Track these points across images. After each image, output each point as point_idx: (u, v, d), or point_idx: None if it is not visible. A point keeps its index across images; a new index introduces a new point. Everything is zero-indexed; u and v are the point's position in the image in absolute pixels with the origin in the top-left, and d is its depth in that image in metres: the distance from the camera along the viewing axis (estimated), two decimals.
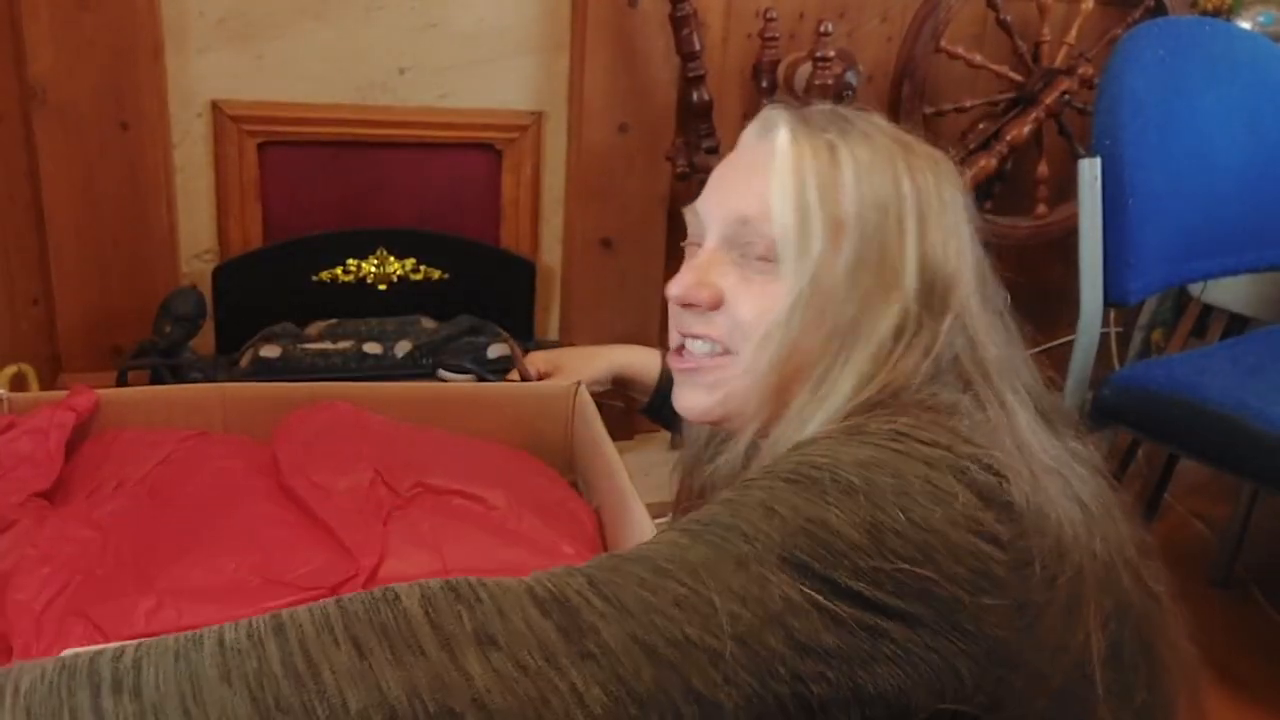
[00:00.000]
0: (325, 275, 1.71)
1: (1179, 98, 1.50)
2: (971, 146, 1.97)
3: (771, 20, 1.78)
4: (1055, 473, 0.71)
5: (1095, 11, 1.97)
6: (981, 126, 2.00)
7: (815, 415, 0.74)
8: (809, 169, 0.77)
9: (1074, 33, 1.95)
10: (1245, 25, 2.04)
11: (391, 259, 1.74)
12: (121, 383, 1.42)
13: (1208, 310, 2.20)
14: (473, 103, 1.77)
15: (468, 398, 1.03)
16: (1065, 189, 1.94)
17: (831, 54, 1.65)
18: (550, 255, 1.93)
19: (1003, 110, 2.01)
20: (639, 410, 1.22)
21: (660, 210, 1.91)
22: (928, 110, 1.97)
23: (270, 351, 1.56)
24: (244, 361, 1.55)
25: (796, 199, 0.76)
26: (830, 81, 1.66)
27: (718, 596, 0.57)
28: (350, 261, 1.72)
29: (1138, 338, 2.31)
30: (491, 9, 1.73)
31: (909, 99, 1.94)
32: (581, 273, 1.90)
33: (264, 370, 1.53)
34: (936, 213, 0.78)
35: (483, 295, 1.77)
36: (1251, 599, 1.84)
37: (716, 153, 1.76)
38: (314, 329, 1.65)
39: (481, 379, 1.33)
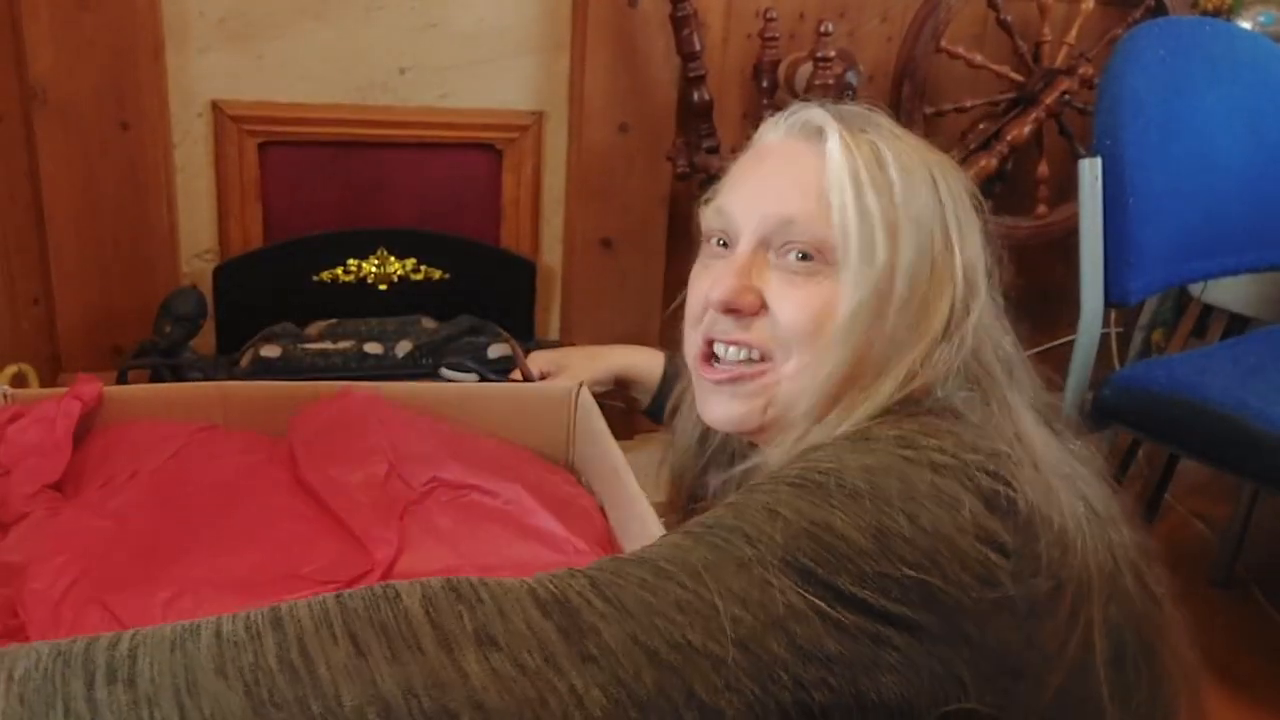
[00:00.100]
0: (326, 275, 1.71)
1: (1179, 98, 1.51)
2: (972, 146, 1.97)
3: (772, 20, 1.78)
4: (1061, 475, 0.70)
5: (1096, 11, 1.97)
6: (982, 126, 2.00)
7: (852, 416, 0.73)
8: (864, 173, 0.76)
9: (1074, 33, 1.95)
10: (1246, 25, 2.04)
11: (392, 259, 1.74)
12: (122, 382, 1.42)
13: (1208, 310, 2.20)
14: (473, 103, 1.77)
15: (469, 397, 1.03)
16: (1066, 189, 1.94)
17: (832, 54, 1.65)
18: (551, 255, 1.92)
19: (1003, 110, 2.01)
20: (641, 411, 1.22)
21: (661, 210, 1.90)
22: (928, 110, 1.96)
23: (270, 351, 1.56)
24: (244, 361, 1.55)
25: (858, 204, 0.75)
26: (831, 81, 1.66)
27: (720, 599, 0.57)
28: (351, 261, 1.72)
29: (1138, 338, 2.31)
30: (492, 9, 1.73)
31: (909, 99, 1.94)
32: (582, 273, 1.90)
33: (264, 370, 1.53)
34: (967, 213, 0.79)
35: (483, 295, 1.77)
36: (1252, 599, 1.84)
37: (717, 152, 1.76)
38: (314, 329, 1.65)
39: (484, 379, 1.33)
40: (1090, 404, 1.48)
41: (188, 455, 0.89)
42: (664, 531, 0.78)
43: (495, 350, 1.62)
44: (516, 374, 1.25)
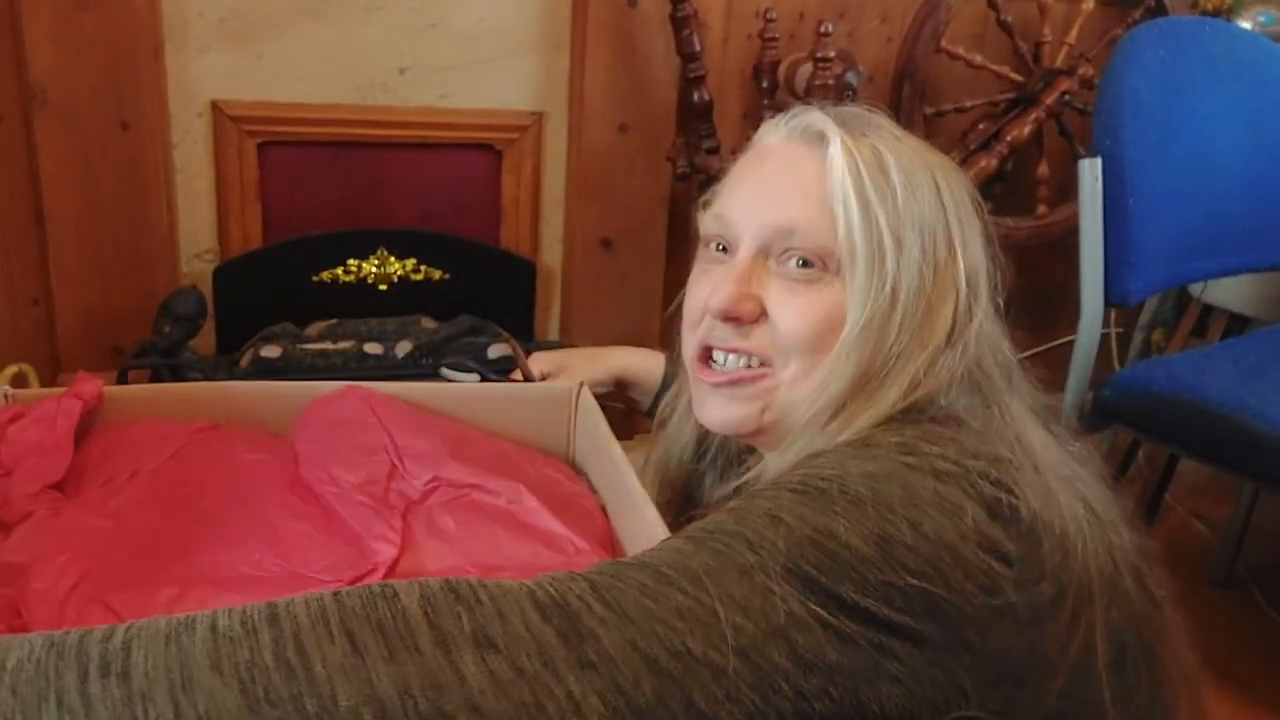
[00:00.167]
0: (325, 275, 1.71)
1: (1179, 98, 1.50)
2: (972, 147, 1.97)
3: (772, 21, 1.78)
4: (1062, 479, 0.70)
5: (1096, 12, 1.97)
6: (982, 127, 2.00)
7: (854, 424, 0.72)
8: (868, 180, 0.74)
9: (1074, 33, 1.95)
10: (1246, 25, 2.04)
11: (392, 259, 1.74)
12: (122, 382, 1.41)
13: (1208, 310, 2.20)
14: (473, 103, 1.77)
15: (470, 397, 1.03)
16: (1066, 189, 1.94)
17: (832, 54, 1.65)
18: (551, 255, 1.92)
19: (1003, 110, 2.01)
20: (642, 412, 1.22)
21: (661, 210, 1.91)
22: (928, 111, 1.96)
23: (270, 351, 1.56)
24: (244, 361, 1.55)
25: (863, 213, 0.74)
26: (831, 82, 1.66)
27: (721, 607, 0.56)
28: (351, 261, 1.72)
29: (1138, 338, 2.31)
30: (491, 9, 1.73)
31: (909, 99, 1.94)
32: (582, 273, 1.90)
33: (264, 370, 1.53)
34: (969, 216, 0.78)
35: (483, 295, 1.77)
36: (1252, 599, 1.84)
37: (717, 153, 1.76)
38: (314, 329, 1.65)
39: (485, 379, 1.33)
40: (1090, 404, 1.48)
41: (188, 455, 0.89)
42: (666, 531, 0.78)
43: (495, 350, 1.62)
44: (517, 374, 1.25)
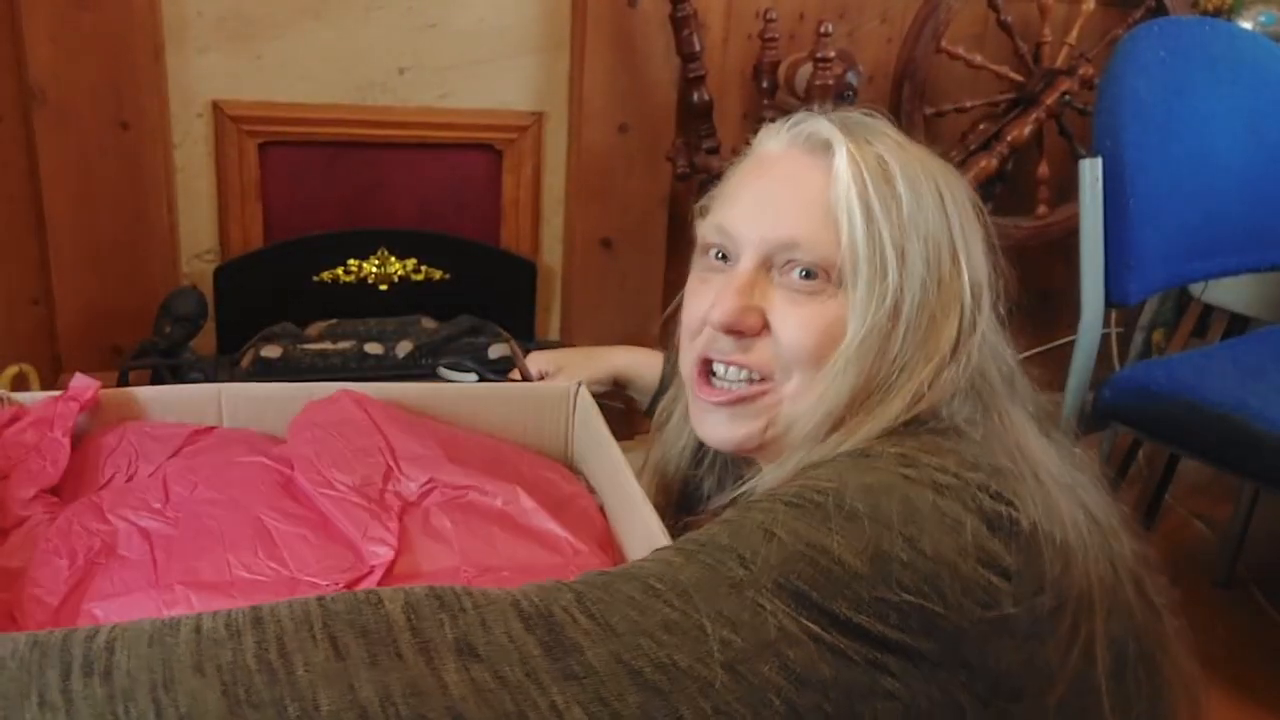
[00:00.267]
0: (326, 275, 1.71)
1: (1180, 98, 1.50)
2: (972, 147, 1.97)
3: (771, 21, 1.78)
4: (1063, 487, 0.69)
5: (1096, 12, 1.97)
6: (982, 127, 2.00)
7: (854, 437, 0.71)
8: (872, 192, 0.73)
9: (1075, 33, 1.95)
10: (1246, 25, 2.04)
11: (392, 259, 1.74)
12: (122, 383, 1.42)
13: (1209, 310, 2.20)
14: (473, 103, 1.77)
15: (468, 397, 1.03)
16: (1066, 189, 1.94)
17: (832, 54, 1.65)
18: (551, 255, 1.93)
19: (1003, 111, 2.00)
20: (641, 411, 1.22)
21: (661, 210, 1.91)
22: (928, 111, 1.96)
23: (271, 352, 1.56)
24: (245, 362, 1.55)
25: (867, 226, 0.72)
26: (831, 82, 1.66)
27: (709, 621, 0.55)
28: (351, 262, 1.72)
29: (1139, 338, 2.31)
30: (491, 9, 1.73)
31: (909, 100, 1.94)
32: (582, 273, 1.90)
33: (265, 370, 1.53)
34: (971, 224, 0.77)
35: (483, 295, 1.77)
36: (1252, 599, 1.84)
37: (717, 153, 1.76)
38: (315, 329, 1.65)
39: (483, 379, 1.33)
40: (1091, 404, 1.48)
41: (187, 456, 0.89)
42: (664, 532, 0.78)
43: (495, 350, 1.62)
44: (515, 374, 1.25)
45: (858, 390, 0.72)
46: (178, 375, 1.47)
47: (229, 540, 0.77)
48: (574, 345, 1.72)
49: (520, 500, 0.85)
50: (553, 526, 0.84)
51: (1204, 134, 1.53)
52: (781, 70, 1.83)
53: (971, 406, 0.73)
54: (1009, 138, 1.91)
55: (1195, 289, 2.15)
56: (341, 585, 0.74)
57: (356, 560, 0.77)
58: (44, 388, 1.17)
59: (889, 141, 0.77)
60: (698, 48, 1.72)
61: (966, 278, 0.75)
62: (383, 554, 0.77)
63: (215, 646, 0.51)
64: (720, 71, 1.86)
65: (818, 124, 0.77)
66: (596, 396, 1.05)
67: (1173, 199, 1.49)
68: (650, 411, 1.19)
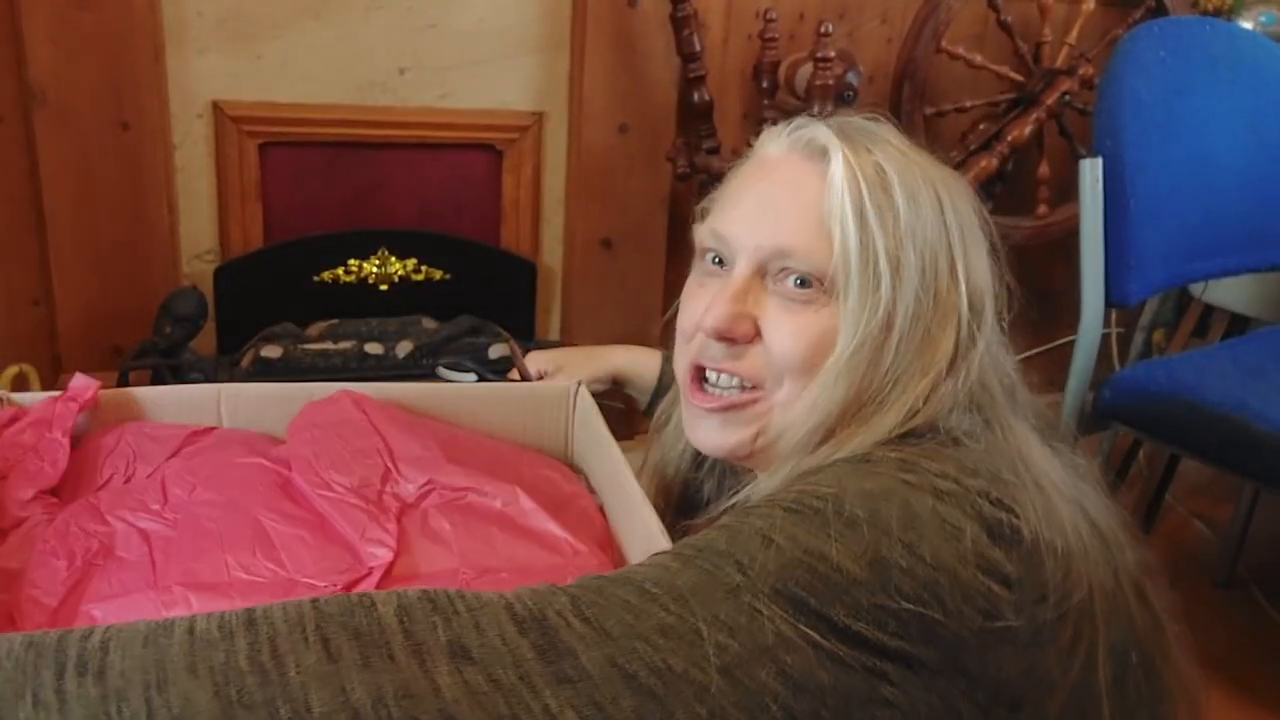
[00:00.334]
0: (326, 275, 1.71)
1: (1180, 98, 1.50)
2: (972, 147, 1.97)
3: (772, 21, 1.78)
4: (1065, 497, 0.69)
5: (1096, 12, 1.97)
6: (982, 127, 2.00)
7: (846, 448, 0.70)
8: (868, 201, 0.72)
9: (1075, 33, 1.95)
10: (1246, 25, 2.04)
11: (393, 259, 1.74)
12: (122, 383, 1.42)
13: (1209, 310, 2.20)
14: (473, 103, 1.77)
15: (468, 397, 1.03)
16: (1066, 189, 1.94)
17: (832, 55, 1.65)
18: (551, 256, 1.93)
19: (1003, 111, 2.01)
20: (641, 411, 1.22)
21: (661, 211, 1.91)
22: (928, 111, 1.96)
23: (271, 352, 1.56)
24: (245, 362, 1.55)
25: (860, 235, 0.71)
26: (831, 82, 1.65)
27: (705, 625, 0.55)
28: (351, 262, 1.72)
29: (1139, 338, 2.31)
30: (491, 9, 1.73)
31: (909, 100, 1.94)
32: (582, 273, 1.90)
33: (265, 371, 1.53)
34: (974, 234, 0.76)
35: (484, 296, 1.77)
36: (1253, 599, 1.84)
37: (717, 153, 1.76)
38: (315, 329, 1.65)
39: (482, 379, 1.33)
40: (1091, 404, 1.48)
41: (186, 457, 0.89)
42: (664, 532, 0.78)
43: (496, 350, 1.62)
44: (514, 374, 1.25)
45: (849, 402, 0.72)
46: (178, 375, 1.47)
47: (227, 541, 0.77)
48: (574, 345, 1.72)
49: (519, 501, 0.85)
50: (552, 527, 0.84)
51: (1204, 134, 1.53)
52: (782, 70, 1.83)
53: (971, 420, 0.72)
54: (1009, 138, 1.91)
55: (1195, 289, 2.15)
56: (340, 587, 0.74)
57: (355, 561, 0.77)
58: (44, 388, 1.18)
59: (890, 149, 0.75)
60: (698, 48, 1.72)
61: (965, 290, 0.74)
62: (381, 555, 0.77)
63: (208, 648, 0.51)
64: (720, 71, 1.86)
65: (817, 130, 0.76)
66: (596, 396, 1.05)
67: (1173, 199, 1.49)
68: (650, 411, 1.19)
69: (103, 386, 0.94)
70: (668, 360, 1.15)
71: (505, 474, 0.89)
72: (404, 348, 1.62)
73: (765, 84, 1.82)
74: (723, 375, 0.78)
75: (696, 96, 1.75)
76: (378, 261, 1.73)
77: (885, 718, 0.57)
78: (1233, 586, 1.88)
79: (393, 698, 0.50)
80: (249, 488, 0.84)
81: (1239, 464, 1.37)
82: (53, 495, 0.84)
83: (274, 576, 0.75)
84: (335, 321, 1.67)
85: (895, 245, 0.72)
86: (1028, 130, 1.92)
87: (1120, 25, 1.99)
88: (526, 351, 1.28)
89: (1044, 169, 2.01)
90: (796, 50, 1.86)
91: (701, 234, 0.81)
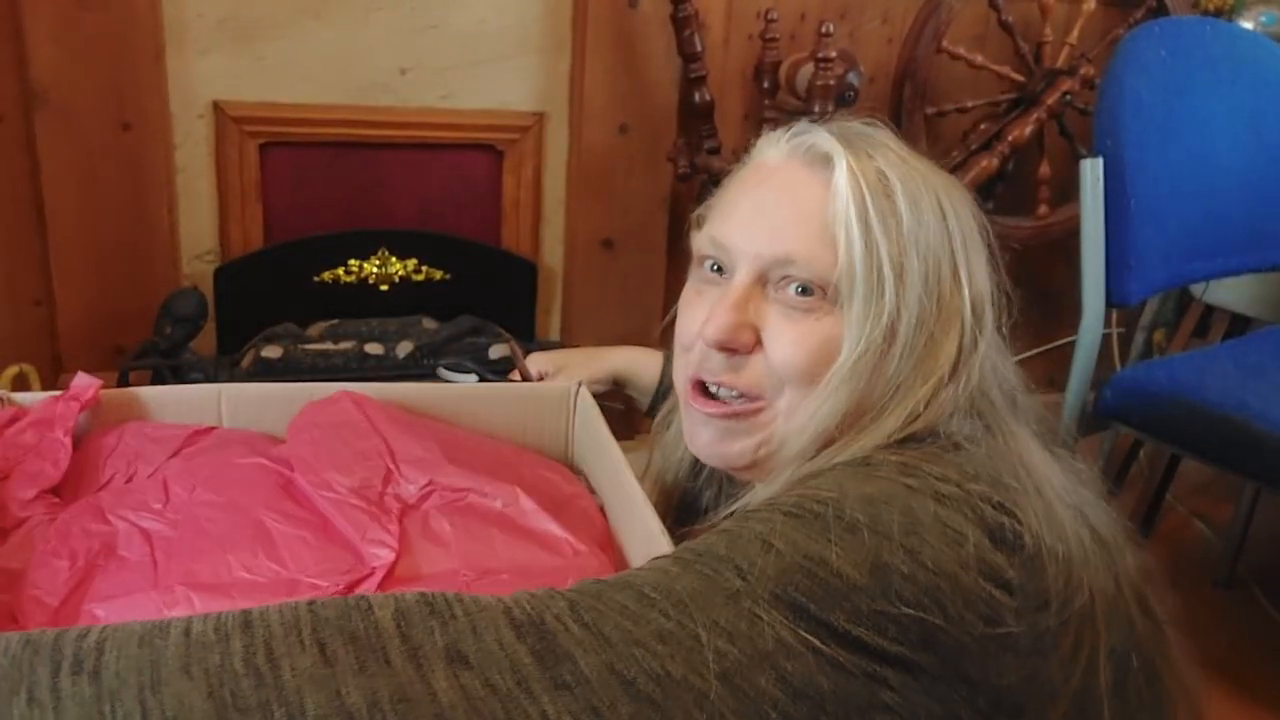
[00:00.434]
0: (327, 276, 1.71)
1: (1180, 98, 1.50)
2: (973, 147, 1.97)
3: (772, 21, 1.78)
4: (1068, 503, 0.69)
5: (1097, 12, 1.97)
6: (983, 127, 2.00)
7: (845, 454, 0.70)
8: (871, 209, 0.71)
9: (1076, 33, 1.95)
10: (1247, 25, 2.04)
11: (393, 259, 1.74)
12: (123, 383, 1.42)
13: (1210, 311, 2.20)
14: (474, 103, 1.77)
15: (468, 398, 1.03)
16: (1067, 189, 1.94)
17: (833, 55, 1.65)
18: (551, 256, 1.93)
19: (1004, 111, 2.00)
20: (642, 412, 1.22)
21: (662, 211, 1.91)
22: (929, 111, 1.96)
23: (271, 352, 1.56)
24: (245, 362, 1.55)
25: (864, 242, 0.71)
26: (832, 82, 1.66)
27: (704, 631, 0.54)
28: (352, 262, 1.72)
29: (1140, 338, 2.31)
30: (492, 10, 1.73)
31: (910, 100, 1.94)
32: (583, 273, 1.90)
33: (265, 371, 1.53)
34: (974, 241, 0.75)
35: (484, 296, 1.77)
36: (1253, 599, 1.84)
37: (718, 153, 1.76)
38: (315, 329, 1.65)
39: (483, 379, 1.33)
40: (1092, 404, 1.48)
41: (187, 457, 0.89)
42: (665, 533, 0.77)
43: (496, 351, 1.62)
44: (515, 375, 1.25)
45: (850, 410, 0.71)
46: (178, 375, 1.47)
47: (229, 541, 0.77)
48: (575, 346, 1.72)
49: (520, 502, 0.85)
50: (553, 528, 0.84)
51: (1205, 134, 1.53)
52: (782, 71, 1.83)
53: (972, 425, 0.72)
54: (1010, 138, 1.91)
55: (1196, 289, 2.15)
56: (342, 587, 0.74)
57: (357, 562, 0.77)
58: (45, 388, 1.17)
59: (891, 155, 0.75)
60: (699, 48, 1.72)
61: (968, 295, 0.73)
62: (383, 556, 0.77)
63: (204, 649, 0.51)
64: (721, 72, 1.86)
65: (818, 136, 0.75)
66: (597, 397, 1.04)
67: (1173, 199, 1.49)
68: (652, 412, 1.19)
69: (103, 386, 0.94)
70: (669, 361, 1.15)
71: (506, 475, 0.89)
72: (404, 348, 1.62)
73: (766, 84, 1.82)
74: (722, 389, 0.77)
75: (697, 97, 1.75)
76: (378, 262, 1.73)
77: None
78: (1233, 586, 1.88)
79: (388, 702, 0.50)
80: (250, 488, 0.84)
81: (1240, 464, 1.37)
82: (54, 495, 0.84)
83: (276, 577, 0.74)
84: (335, 322, 1.67)
85: (899, 252, 0.71)
86: (1028, 130, 1.92)
87: (1121, 25, 1.99)
88: (527, 352, 1.28)
89: (1045, 169, 2.01)
90: (797, 50, 1.86)
91: (699, 241, 0.80)
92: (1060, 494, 0.69)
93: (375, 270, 1.73)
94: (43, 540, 0.78)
